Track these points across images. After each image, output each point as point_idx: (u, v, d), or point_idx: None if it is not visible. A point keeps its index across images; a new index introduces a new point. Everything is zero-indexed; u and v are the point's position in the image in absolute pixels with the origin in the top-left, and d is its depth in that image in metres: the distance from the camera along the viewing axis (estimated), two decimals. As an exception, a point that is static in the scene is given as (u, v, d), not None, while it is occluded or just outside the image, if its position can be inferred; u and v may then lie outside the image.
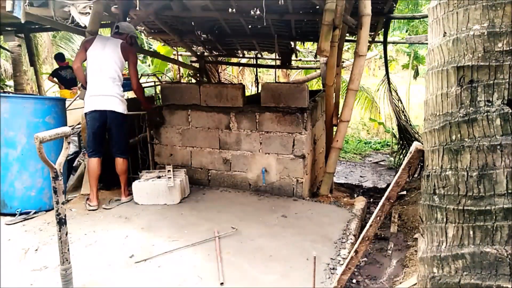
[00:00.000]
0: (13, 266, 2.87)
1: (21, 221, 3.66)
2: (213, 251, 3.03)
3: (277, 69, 10.23)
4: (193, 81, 9.14)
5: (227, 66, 11.18)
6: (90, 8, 4.18)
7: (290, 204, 4.07)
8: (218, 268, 2.77)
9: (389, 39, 8.23)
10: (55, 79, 8.48)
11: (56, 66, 8.92)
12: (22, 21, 3.50)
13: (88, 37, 4.22)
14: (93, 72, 3.96)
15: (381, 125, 10.73)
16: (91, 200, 3.97)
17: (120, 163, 4.08)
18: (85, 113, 4.00)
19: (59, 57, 8.67)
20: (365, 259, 3.38)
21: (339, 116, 4.42)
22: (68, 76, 8.52)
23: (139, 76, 7.88)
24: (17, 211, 3.74)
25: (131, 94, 9.26)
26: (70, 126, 4.82)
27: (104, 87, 3.92)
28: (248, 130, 4.36)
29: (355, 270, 3.09)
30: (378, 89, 8.47)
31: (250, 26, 6.18)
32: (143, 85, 7.84)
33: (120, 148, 4.07)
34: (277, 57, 8.08)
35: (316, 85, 11.48)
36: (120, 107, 3.98)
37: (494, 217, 1.70)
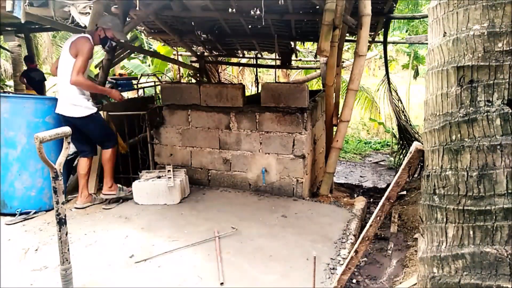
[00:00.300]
0: (13, 266, 2.87)
1: (21, 221, 3.66)
2: (213, 251, 3.03)
3: (277, 69, 10.23)
4: (193, 81, 9.14)
5: (227, 66, 11.18)
6: (90, 8, 4.18)
7: (290, 204, 4.07)
8: (218, 268, 2.77)
9: (389, 39, 8.24)
10: (24, 79, 8.46)
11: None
12: (22, 21, 3.50)
13: None
14: (57, 75, 3.89)
15: (381, 125, 10.74)
16: (77, 198, 3.99)
17: (103, 153, 4.04)
18: None
19: (29, 59, 8.64)
20: (365, 259, 3.38)
21: (339, 116, 4.42)
22: (37, 78, 8.51)
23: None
24: (17, 211, 3.73)
25: (131, 94, 9.27)
26: (70, 126, 4.81)
27: (60, 91, 3.83)
28: (248, 130, 4.36)
29: (355, 270, 3.09)
30: (378, 89, 8.48)
31: (250, 26, 6.18)
32: (144, 85, 7.90)
33: (101, 143, 4.04)
34: (277, 57, 8.08)
35: (316, 85, 11.49)
36: (74, 111, 3.74)
37: (494, 217, 1.70)
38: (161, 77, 9.73)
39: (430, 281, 1.90)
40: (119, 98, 4.14)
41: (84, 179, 3.99)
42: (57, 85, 3.90)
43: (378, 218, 2.18)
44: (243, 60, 10.26)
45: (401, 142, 7.06)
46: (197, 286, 2.62)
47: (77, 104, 3.76)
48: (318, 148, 4.88)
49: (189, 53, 8.61)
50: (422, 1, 10.27)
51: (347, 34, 5.64)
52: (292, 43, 7.19)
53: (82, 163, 3.97)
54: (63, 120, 3.80)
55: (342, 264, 2.82)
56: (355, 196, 5.13)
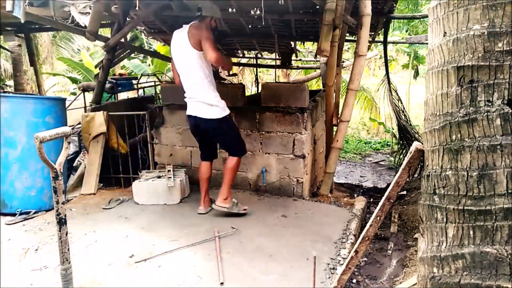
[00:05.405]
0: (13, 266, 2.87)
1: (21, 221, 3.66)
2: (213, 251, 3.03)
3: (277, 69, 10.20)
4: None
5: (227, 66, 11.15)
6: (90, 8, 4.18)
7: (290, 204, 4.07)
8: (218, 268, 2.77)
9: (389, 39, 8.22)
10: None
11: None
12: (22, 21, 3.51)
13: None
14: (180, 75, 3.54)
15: (381, 125, 10.73)
16: (200, 204, 3.78)
17: (228, 160, 3.65)
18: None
19: None
20: (365, 259, 3.38)
21: (339, 116, 4.42)
22: None
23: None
24: (17, 211, 3.74)
25: (131, 94, 9.27)
26: (70, 126, 4.82)
27: (192, 92, 3.50)
28: (248, 130, 4.35)
29: (355, 270, 3.09)
30: (378, 89, 8.47)
31: (250, 26, 6.17)
32: (144, 85, 7.90)
33: (229, 147, 3.68)
34: (277, 57, 8.07)
35: (316, 85, 11.48)
36: (211, 113, 3.45)
37: (494, 217, 1.70)
38: (161, 77, 9.73)
39: (430, 281, 1.90)
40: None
41: (205, 182, 3.76)
42: (185, 87, 3.53)
43: (378, 218, 2.18)
44: (243, 60, 10.25)
45: (401, 142, 7.05)
46: (197, 286, 2.62)
47: (214, 104, 3.46)
48: (318, 148, 4.88)
49: (189, 53, 8.59)
50: (422, 1, 10.27)
51: (347, 34, 5.64)
52: (292, 43, 7.19)
53: (205, 168, 3.75)
54: (193, 123, 3.59)
55: (342, 264, 2.82)
56: (355, 196, 5.13)
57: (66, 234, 2.09)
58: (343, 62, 6.87)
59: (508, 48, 1.69)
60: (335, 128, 4.52)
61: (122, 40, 5.31)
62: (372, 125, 11.86)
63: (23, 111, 3.75)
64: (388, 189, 2.15)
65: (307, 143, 4.20)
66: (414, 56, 10.81)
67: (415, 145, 2.05)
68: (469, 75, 1.77)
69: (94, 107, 5.02)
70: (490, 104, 1.73)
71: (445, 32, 1.87)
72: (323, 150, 5.02)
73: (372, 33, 6.03)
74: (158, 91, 7.65)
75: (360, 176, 7.92)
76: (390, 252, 3.45)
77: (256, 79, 9.34)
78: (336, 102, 4.64)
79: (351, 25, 4.45)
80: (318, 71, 8.11)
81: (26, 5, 3.48)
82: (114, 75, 7.44)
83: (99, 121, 4.54)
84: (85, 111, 5.22)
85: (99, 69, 5.43)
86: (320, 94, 5.08)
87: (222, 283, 2.61)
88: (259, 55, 8.47)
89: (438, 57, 1.91)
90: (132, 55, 8.94)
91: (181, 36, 3.41)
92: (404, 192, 5.07)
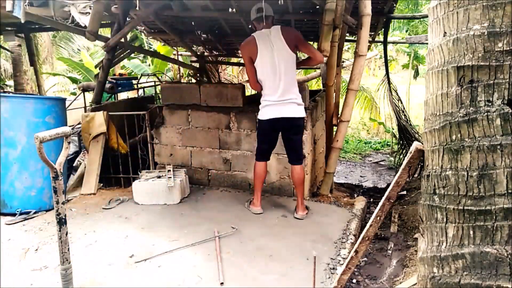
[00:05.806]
0: (13, 266, 2.87)
1: (21, 221, 3.66)
2: (213, 251, 3.03)
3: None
4: (193, 81, 9.14)
5: (227, 66, 11.17)
6: (90, 8, 4.18)
7: (290, 204, 4.07)
8: (218, 268, 2.77)
9: (389, 39, 8.23)
10: None
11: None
12: (22, 21, 3.51)
13: (246, 44, 3.69)
14: (271, 79, 3.51)
15: (381, 125, 10.72)
16: (257, 204, 3.83)
17: (299, 170, 3.70)
18: (260, 120, 3.67)
19: None
20: (365, 259, 3.38)
21: (339, 116, 4.42)
22: None
23: (139, 76, 7.91)
24: (17, 211, 3.74)
25: (131, 94, 9.27)
26: (70, 126, 4.82)
27: (283, 94, 3.50)
28: (248, 130, 4.35)
29: (355, 270, 3.09)
30: (378, 89, 8.46)
31: (250, 26, 6.18)
32: (144, 85, 7.90)
33: (299, 151, 3.71)
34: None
35: (316, 85, 11.48)
36: (300, 111, 3.57)
37: (494, 217, 1.70)
38: (161, 77, 9.73)
39: (430, 281, 1.90)
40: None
41: (263, 184, 3.85)
42: (276, 89, 3.50)
43: (378, 218, 2.18)
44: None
45: (401, 142, 7.06)
46: (197, 286, 2.62)
47: (301, 103, 3.60)
48: (318, 148, 4.88)
49: (189, 53, 8.61)
50: (422, 1, 10.27)
51: (347, 34, 5.64)
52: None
53: (264, 167, 3.79)
54: (277, 125, 3.57)
55: (342, 264, 2.82)
56: (355, 196, 5.13)
57: (66, 234, 2.09)
58: (343, 62, 6.87)
59: (508, 48, 1.69)
60: (335, 128, 4.52)
61: (122, 40, 5.32)
62: (372, 125, 11.85)
63: (23, 111, 3.75)
64: (388, 189, 2.15)
65: (307, 143, 4.20)
66: (414, 56, 10.82)
67: (415, 145, 2.05)
68: (469, 75, 1.77)
69: (94, 107, 5.02)
70: (490, 104, 1.73)
71: (445, 32, 1.87)
72: (323, 150, 5.02)
73: (372, 33, 6.04)
74: (158, 91, 7.66)
75: (360, 176, 7.92)
76: (390, 252, 3.45)
77: (256, 79, 9.33)
78: (336, 102, 4.64)
79: (351, 25, 4.45)
80: (318, 71, 8.10)
81: (26, 5, 3.48)
82: (114, 75, 7.45)
83: (99, 121, 4.54)
84: (85, 111, 5.23)
85: (99, 69, 5.43)
86: (320, 94, 5.08)
87: (222, 283, 2.62)
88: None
89: (438, 57, 1.91)
90: (132, 55, 8.95)
91: (273, 41, 3.47)
92: (404, 192, 5.06)
